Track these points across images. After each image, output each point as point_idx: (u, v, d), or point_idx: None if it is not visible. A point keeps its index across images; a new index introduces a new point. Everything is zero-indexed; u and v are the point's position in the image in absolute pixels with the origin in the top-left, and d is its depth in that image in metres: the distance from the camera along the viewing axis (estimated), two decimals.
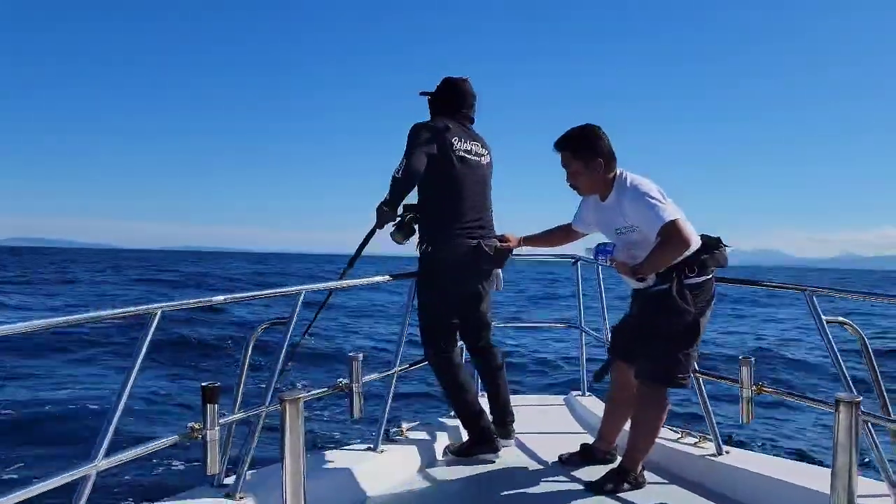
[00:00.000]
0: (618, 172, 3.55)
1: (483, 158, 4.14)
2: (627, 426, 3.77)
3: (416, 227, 4.08)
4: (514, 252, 4.22)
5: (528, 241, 4.23)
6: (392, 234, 4.04)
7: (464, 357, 4.78)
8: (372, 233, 4.06)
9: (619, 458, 3.73)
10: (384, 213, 3.94)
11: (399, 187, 3.88)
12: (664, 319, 3.39)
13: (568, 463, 3.95)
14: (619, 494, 3.46)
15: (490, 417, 4.40)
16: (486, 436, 4.18)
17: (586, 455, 3.96)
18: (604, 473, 3.60)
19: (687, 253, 3.35)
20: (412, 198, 4.04)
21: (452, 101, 4.11)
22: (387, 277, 4.17)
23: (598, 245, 3.59)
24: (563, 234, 4.11)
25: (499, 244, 4.09)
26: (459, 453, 4.19)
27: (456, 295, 4.11)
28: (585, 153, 3.53)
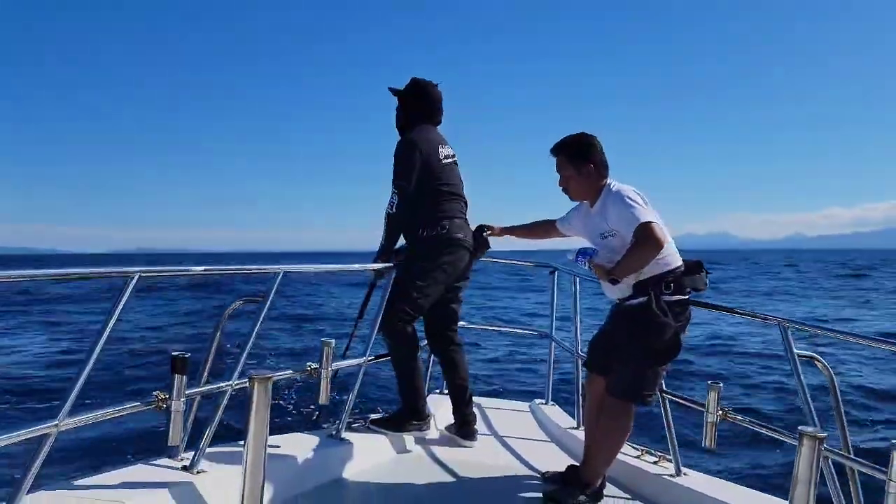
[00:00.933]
0: (608, 182, 3.60)
1: (455, 158, 4.33)
2: None
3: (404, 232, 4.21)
4: (489, 248, 4.37)
5: (508, 231, 4.37)
6: (386, 277, 4.18)
7: (431, 358, 4.80)
8: (373, 286, 4.29)
9: (606, 485, 3.68)
10: (383, 260, 4.14)
11: (395, 224, 4.10)
12: (646, 334, 3.39)
13: (550, 482, 3.78)
14: None
15: (453, 418, 4.42)
16: (420, 414, 4.27)
17: (571, 478, 3.77)
18: (561, 484, 3.61)
19: (665, 268, 3.39)
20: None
21: (430, 109, 4.28)
22: (371, 265, 4.16)
23: (580, 249, 3.66)
24: (544, 229, 4.19)
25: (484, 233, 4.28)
26: (388, 425, 4.18)
27: (448, 272, 4.16)
28: (577, 159, 3.62)
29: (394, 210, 4.03)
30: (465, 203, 4.32)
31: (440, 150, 4.18)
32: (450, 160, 4.24)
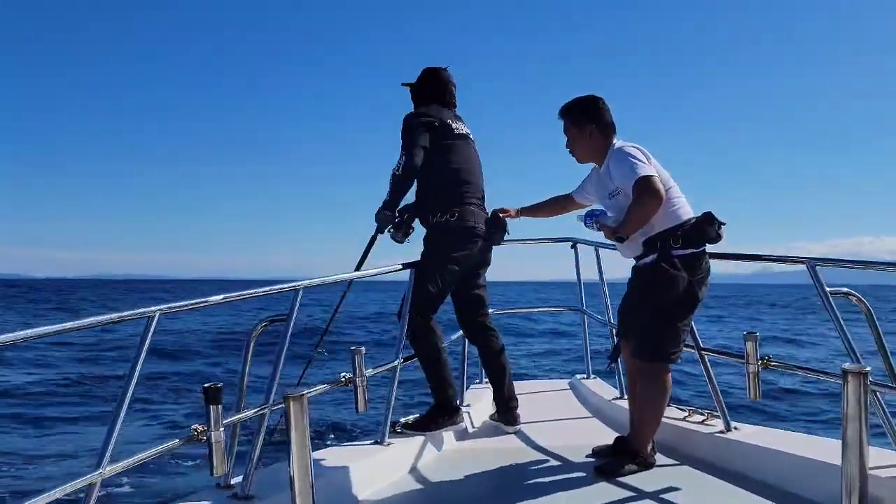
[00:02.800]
0: (615, 142, 3.58)
1: (471, 136, 4.27)
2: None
3: (415, 212, 4.15)
4: (507, 232, 4.30)
5: (526, 211, 4.32)
6: (392, 235, 4.14)
7: (466, 348, 4.76)
8: (374, 238, 4.19)
9: (656, 453, 3.65)
10: (385, 216, 4.05)
11: (399, 185, 4.00)
12: (656, 291, 3.36)
13: (600, 456, 3.76)
14: (630, 476, 3.43)
15: (494, 406, 4.40)
16: (450, 407, 4.18)
17: (620, 450, 3.76)
18: (611, 457, 3.58)
19: (674, 223, 3.36)
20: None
21: (437, 90, 4.23)
22: (396, 267, 4.13)
23: (587, 210, 3.66)
24: (561, 204, 4.16)
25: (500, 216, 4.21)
26: (420, 426, 4.11)
27: (461, 263, 4.12)
28: (580, 120, 3.63)
29: (399, 171, 3.97)
30: (482, 185, 4.25)
31: (451, 122, 4.14)
32: (463, 134, 4.18)
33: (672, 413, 3.96)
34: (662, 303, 3.37)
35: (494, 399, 4.38)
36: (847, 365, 2.30)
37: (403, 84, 4.32)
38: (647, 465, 3.51)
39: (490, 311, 4.46)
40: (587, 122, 3.60)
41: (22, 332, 2.15)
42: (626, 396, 4.60)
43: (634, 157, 3.37)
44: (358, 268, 4.25)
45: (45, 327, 2.26)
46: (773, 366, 3.32)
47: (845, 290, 3.15)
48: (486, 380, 4.51)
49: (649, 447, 3.56)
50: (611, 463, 3.50)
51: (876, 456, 2.62)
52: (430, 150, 4.01)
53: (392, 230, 4.12)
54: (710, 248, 3.46)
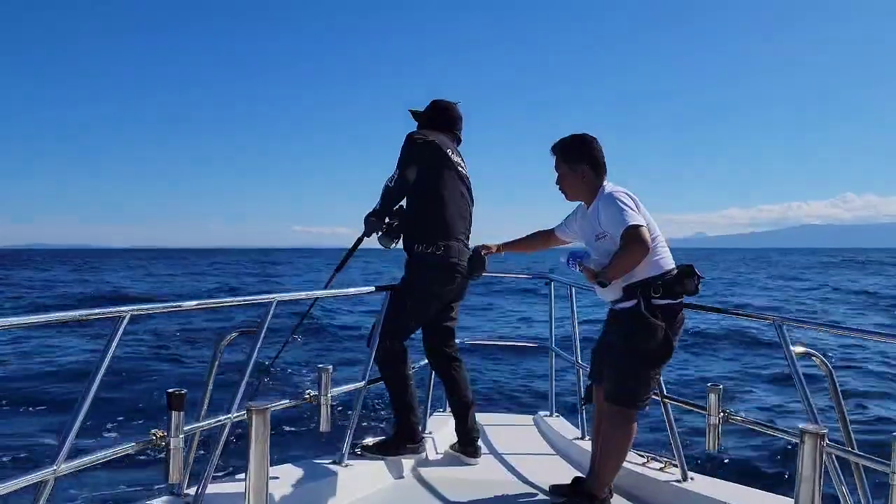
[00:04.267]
0: (605, 183, 3.62)
1: (465, 170, 4.30)
2: None
3: (402, 231, 4.18)
4: (486, 270, 4.31)
5: (507, 247, 4.32)
6: (380, 240, 4.17)
7: (432, 375, 4.77)
8: (359, 241, 4.21)
9: (613, 495, 3.66)
10: (373, 223, 4.07)
11: (391, 197, 4.05)
12: (634, 337, 3.38)
13: (557, 494, 3.75)
14: None
15: (455, 437, 4.40)
16: (412, 433, 4.20)
17: (578, 490, 3.75)
18: (568, 496, 3.59)
19: (656, 272, 3.39)
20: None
21: (445, 122, 4.29)
22: (369, 289, 4.15)
23: (571, 251, 3.68)
24: (542, 239, 4.17)
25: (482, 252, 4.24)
26: (381, 450, 4.12)
27: (441, 297, 4.17)
28: (573, 158, 3.65)
29: (392, 185, 4.01)
30: (470, 221, 4.29)
31: (451, 154, 4.18)
32: (460, 169, 4.22)
33: (631, 458, 3.98)
34: (640, 350, 3.39)
35: (457, 430, 4.39)
36: (805, 425, 2.34)
37: (411, 112, 4.36)
38: None
39: (457, 341, 4.49)
40: (580, 162, 3.62)
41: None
42: (587, 437, 4.62)
43: (625, 204, 3.40)
44: (340, 267, 4.30)
45: (7, 318, 2.24)
46: (734, 420, 3.36)
47: (809, 350, 3.20)
48: (450, 409, 4.52)
49: (606, 491, 3.58)
50: (567, 503, 3.51)
51: None
52: (424, 174, 4.05)
53: (380, 235, 4.15)
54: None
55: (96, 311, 2.55)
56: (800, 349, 3.16)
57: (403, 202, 4.18)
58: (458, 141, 4.37)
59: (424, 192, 4.09)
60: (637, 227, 3.31)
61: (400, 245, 4.21)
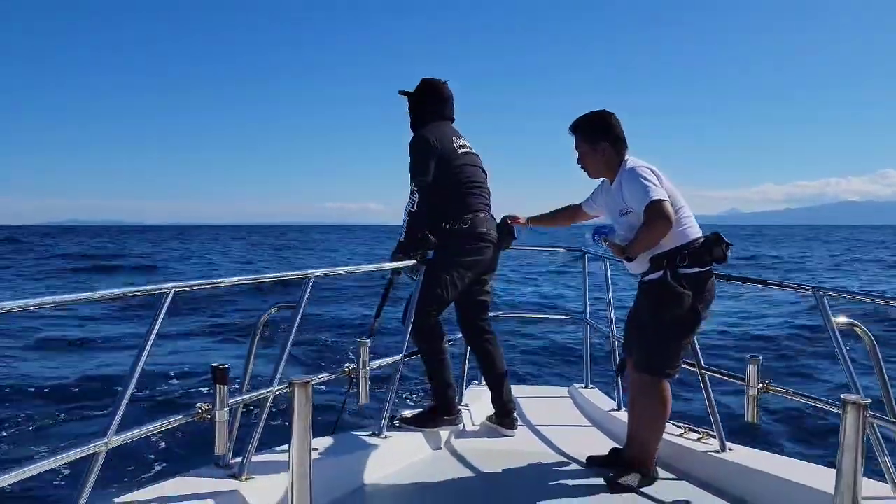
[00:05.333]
0: (626, 158, 3.60)
1: (473, 150, 4.32)
2: None
3: (428, 221, 4.16)
4: (515, 239, 4.37)
5: (535, 220, 4.38)
6: (407, 275, 4.21)
7: (468, 351, 4.80)
8: (390, 283, 4.31)
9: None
10: (399, 258, 4.10)
11: (415, 222, 4.06)
12: (661, 307, 3.40)
13: (594, 466, 3.81)
14: (631, 487, 3.47)
15: (492, 408, 4.44)
16: (449, 406, 4.25)
17: (615, 461, 3.79)
18: (616, 468, 3.59)
19: (682, 241, 3.39)
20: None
21: (437, 104, 4.28)
22: (406, 263, 4.18)
23: (596, 227, 3.69)
24: (569, 214, 4.21)
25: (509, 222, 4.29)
26: (418, 422, 4.18)
27: (473, 268, 4.18)
28: (593, 136, 3.64)
29: (415, 208, 4.03)
30: (489, 193, 4.32)
31: (454, 141, 4.19)
32: (466, 150, 4.24)
33: (669, 429, 3.99)
34: (667, 319, 3.40)
35: (492, 402, 4.43)
36: (847, 395, 2.33)
37: (401, 93, 4.33)
38: (651, 478, 3.54)
39: (491, 314, 4.51)
40: (600, 139, 3.61)
41: (33, 301, 2.18)
42: (623, 409, 4.63)
43: (647, 179, 3.39)
44: (377, 315, 4.37)
45: (53, 297, 2.29)
46: (774, 391, 3.34)
47: (851, 321, 3.16)
48: (485, 382, 4.56)
49: (652, 460, 3.58)
50: (618, 475, 3.52)
51: (869, 488, 2.65)
52: (438, 172, 4.07)
53: (408, 271, 4.18)
54: (716, 268, 3.49)
55: (141, 288, 2.60)
56: (842, 319, 3.13)
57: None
58: (453, 120, 4.35)
59: (441, 184, 4.10)
60: (659, 201, 3.30)
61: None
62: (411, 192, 4.06)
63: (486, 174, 4.35)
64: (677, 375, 3.56)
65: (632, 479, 3.49)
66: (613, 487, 3.46)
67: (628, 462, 3.60)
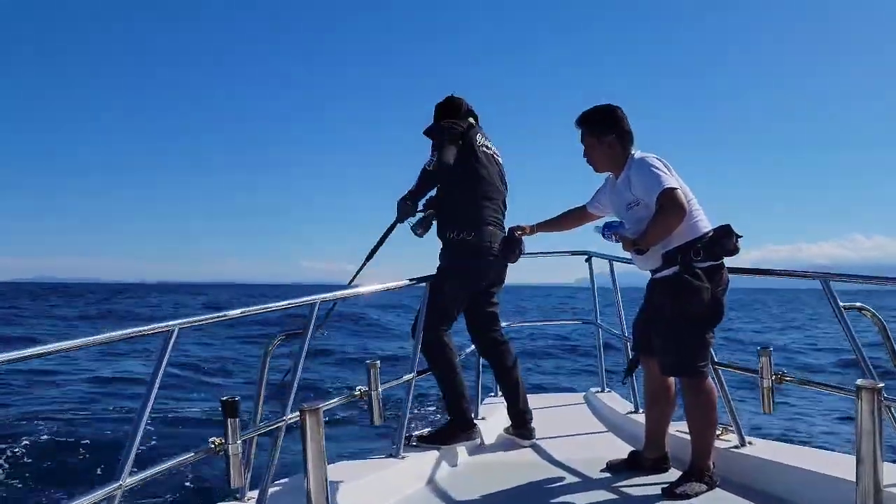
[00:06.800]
0: (633, 152, 3.57)
1: (498, 156, 4.30)
2: (674, 428, 3.79)
3: (435, 221, 4.18)
4: (523, 251, 4.31)
5: (541, 227, 4.30)
6: (413, 227, 4.17)
7: (480, 361, 4.77)
8: (392, 227, 4.22)
9: (671, 468, 3.66)
10: (407, 206, 4.10)
11: (428, 180, 4.07)
12: (682, 303, 3.32)
13: (614, 471, 3.76)
14: (648, 487, 3.42)
15: (509, 419, 4.41)
16: (465, 421, 4.21)
17: (634, 464, 3.78)
18: (681, 477, 3.46)
19: (694, 235, 3.34)
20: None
21: (454, 110, 4.26)
22: (403, 282, 4.16)
23: (606, 222, 3.63)
24: (575, 217, 4.14)
25: (517, 234, 4.23)
26: (436, 439, 4.13)
27: (478, 281, 4.17)
28: (599, 129, 3.60)
29: (431, 167, 4.03)
30: (503, 207, 4.28)
31: (479, 138, 4.18)
32: (491, 153, 4.22)
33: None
34: (691, 313, 3.33)
35: (509, 413, 4.40)
36: (861, 381, 2.31)
37: (426, 133, 4.21)
38: (712, 484, 3.41)
39: (503, 324, 4.48)
40: (607, 132, 3.57)
41: (33, 349, 2.16)
42: (640, 411, 4.60)
43: (658, 169, 3.35)
44: (370, 256, 4.30)
45: (62, 343, 2.27)
46: (788, 380, 3.32)
47: (859, 304, 3.14)
48: (501, 393, 4.53)
49: (711, 464, 3.47)
50: (680, 484, 3.38)
51: (890, 471, 2.62)
52: (458, 160, 4.05)
53: (413, 223, 4.15)
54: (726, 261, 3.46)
55: (145, 327, 2.59)
56: (849, 304, 3.11)
57: (434, 191, 4.18)
58: (476, 120, 4.33)
59: (457, 178, 4.08)
60: (672, 189, 3.26)
61: (432, 233, 4.21)
62: (431, 154, 4.04)
63: (505, 186, 4.32)
64: (707, 370, 3.48)
65: (701, 487, 3.36)
66: (682, 499, 3.29)
67: (692, 470, 3.45)
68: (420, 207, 4.17)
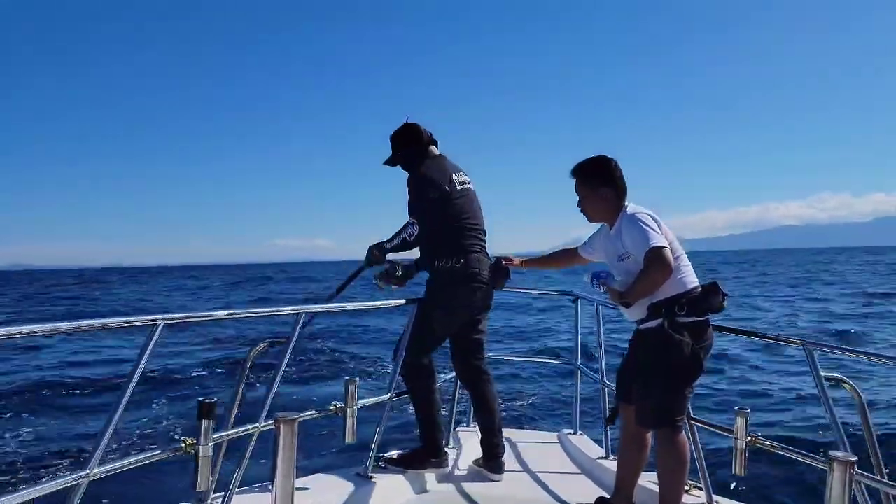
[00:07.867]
0: (626, 204, 3.62)
1: (471, 185, 4.32)
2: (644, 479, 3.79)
3: (420, 251, 4.20)
4: (509, 279, 4.36)
5: (531, 263, 4.39)
6: (377, 276, 4.22)
7: (457, 389, 4.77)
8: (359, 271, 4.28)
9: None
10: (375, 256, 4.13)
11: (404, 247, 4.10)
12: (662, 356, 3.36)
13: None
14: None
15: (480, 451, 4.40)
16: (436, 448, 4.23)
17: None
18: None
19: (680, 290, 3.39)
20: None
21: (421, 143, 4.26)
22: (398, 301, 4.17)
23: (594, 272, 3.68)
24: (566, 258, 4.22)
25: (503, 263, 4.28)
26: (404, 463, 4.14)
27: (465, 309, 4.18)
28: (594, 181, 3.65)
29: (411, 239, 4.06)
30: (484, 234, 4.31)
31: (454, 178, 4.18)
32: (465, 187, 4.23)
33: (654, 479, 3.96)
34: (669, 368, 3.37)
35: (482, 444, 4.39)
36: (834, 452, 2.33)
37: (386, 163, 4.31)
38: None
39: (487, 355, 4.49)
40: (601, 184, 3.63)
41: (16, 329, 2.16)
42: (611, 457, 4.59)
43: (647, 226, 3.40)
44: (340, 290, 4.35)
45: (45, 325, 2.28)
46: (762, 444, 3.33)
47: (839, 376, 3.17)
48: (475, 423, 4.52)
49: None
50: None
51: None
52: (435, 211, 4.07)
53: (378, 275, 4.20)
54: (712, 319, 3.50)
55: (131, 318, 2.60)
56: (829, 375, 3.14)
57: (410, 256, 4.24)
58: (436, 145, 4.34)
59: (438, 217, 4.10)
60: (660, 248, 3.31)
61: (388, 292, 4.25)
62: (411, 224, 4.06)
63: (481, 210, 4.34)
64: (682, 424, 3.52)
65: None
66: None
67: None
68: (397, 271, 4.20)
